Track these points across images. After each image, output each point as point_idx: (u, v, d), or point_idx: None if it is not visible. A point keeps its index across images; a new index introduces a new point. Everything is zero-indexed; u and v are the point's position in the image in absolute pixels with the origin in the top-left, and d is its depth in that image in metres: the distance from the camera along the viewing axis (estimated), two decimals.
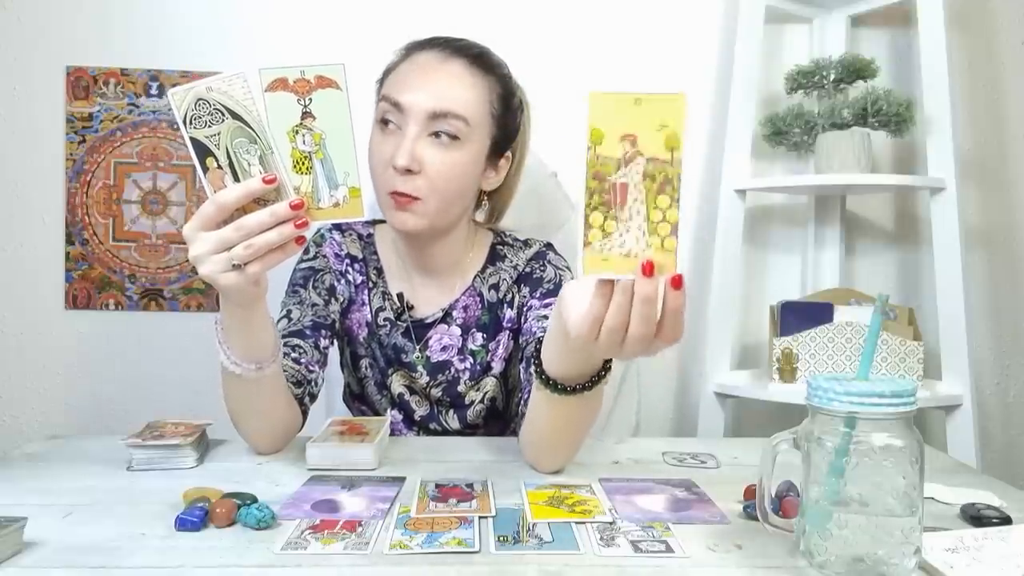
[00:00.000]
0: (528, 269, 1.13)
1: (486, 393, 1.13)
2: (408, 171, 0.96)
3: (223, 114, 0.73)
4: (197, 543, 0.67)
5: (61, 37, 1.70)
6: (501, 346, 1.12)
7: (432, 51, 1.01)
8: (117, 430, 1.00)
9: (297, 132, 0.74)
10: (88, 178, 1.71)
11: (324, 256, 1.13)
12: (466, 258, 1.13)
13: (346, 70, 0.73)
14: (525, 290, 1.11)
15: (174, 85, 1.68)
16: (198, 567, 0.63)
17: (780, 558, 0.66)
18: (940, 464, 0.99)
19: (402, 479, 0.86)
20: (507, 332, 1.12)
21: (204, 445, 0.97)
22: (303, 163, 0.74)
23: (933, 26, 1.58)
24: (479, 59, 1.02)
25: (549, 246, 1.17)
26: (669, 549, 0.68)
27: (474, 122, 0.99)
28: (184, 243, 1.68)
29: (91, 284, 1.72)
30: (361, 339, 1.13)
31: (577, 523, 0.73)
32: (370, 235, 1.16)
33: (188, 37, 1.72)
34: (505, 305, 1.12)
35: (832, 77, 1.64)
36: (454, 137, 0.98)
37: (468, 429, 1.14)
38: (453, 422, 1.14)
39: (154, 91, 1.71)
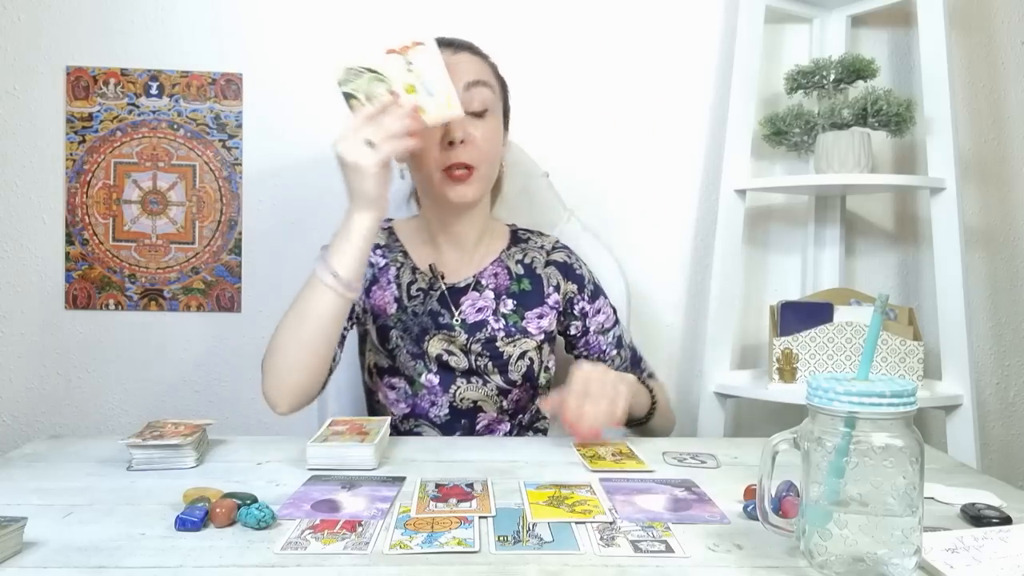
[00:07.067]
0: (563, 258, 1.28)
1: (525, 351, 1.20)
2: (463, 142, 1.12)
3: (362, 72, 1.03)
4: (197, 543, 0.67)
5: (61, 37, 1.70)
6: (545, 320, 1.23)
7: (441, 49, 1.13)
8: (117, 430, 1.00)
9: (409, 73, 1.03)
10: (88, 178, 1.71)
11: None
12: (487, 235, 1.26)
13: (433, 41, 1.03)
14: (572, 286, 1.26)
15: (175, 85, 1.69)
16: (198, 567, 0.63)
17: (780, 558, 0.66)
18: (940, 464, 0.99)
19: (402, 479, 0.86)
20: (554, 312, 1.25)
21: (204, 445, 0.97)
22: (410, 88, 1.03)
23: (933, 26, 1.57)
24: (473, 48, 1.20)
25: (567, 245, 1.32)
26: (669, 549, 0.68)
27: (495, 90, 1.18)
28: (182, 243, 1.75)
29: (91, 284, 1.72)
30: (390, 313, 1.21)
31: (577, 523, 0.73)
32: (389, 227, 1.30)
33: (188, 37, 1.72)
34: (550, 287, 1.25)
35: (832, 77, 1.64)
36: (485, 110, 1.15)
37: (508, 384, 1.20)
38: (495, 376, 1.19)
39: (154, 91, 1.71)
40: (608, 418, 0.99)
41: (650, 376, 1.31)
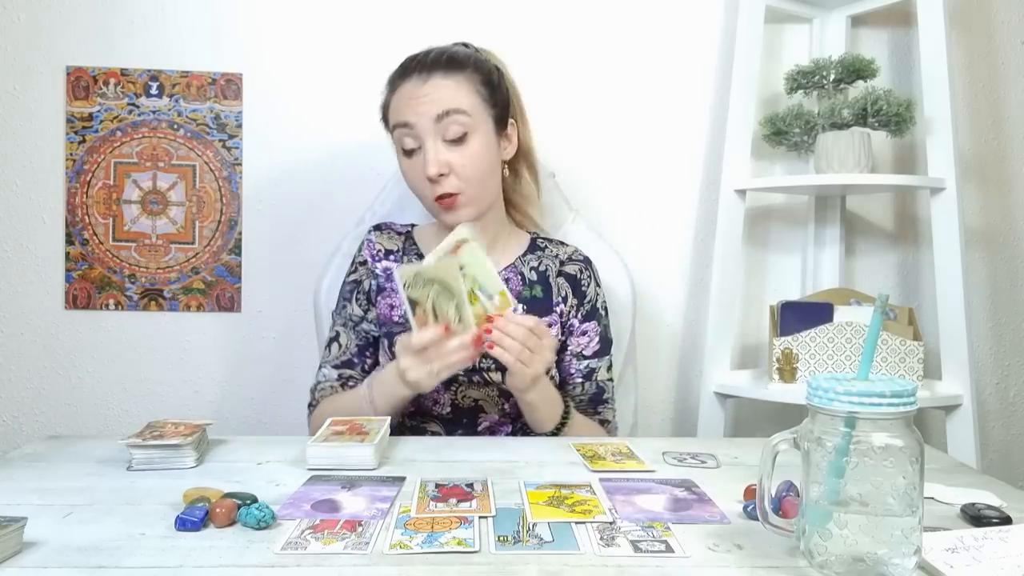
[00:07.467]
0: (575, 271, 1.27)
1: None
2: (441, 175, 1.14)
3: (433, 283, 1.03)
4: (197, 543, 0.67)
5: (61, 37, 1.70)
6: (553, 328, 1.23)
7: (411, 77, 1.16)
8: (117, 430, 1.00)
9: (463, 278, 1.03)
10: (88, 178, 1.71)
11: (364, 262, 1.28)
12: (502, 240, 1.28)
13: (471, 228, 1.06)
14: (574, 300, 1.26)
15: (175, 85, 1.69)
16: (198, 567, 0.63)
17: (780, 558, 0.66)
18: (940, 464, 0.99)
19: (402, 479, 0.86)
20: (558, 324, 1.24)
21: (204, 445, 0.97)
22: (472, 296, 1.04)
23: (933, 26, 1.57)
24: (450, 63, 1.16)
25: (588, 258, 1.31)
26: (669, 549, 0.68)
27: (473, 111, 1.15)
28: (182, 243, 1.77)
29: (91, 284, 1.72)
30: (396, 318, 1.23)
31: (577, 523, 0.73)
32: (409, 232, 1.31)
33: (188, 37, 1.72)
34: (559, 297, 1.25)
35: (832, 77, 1.63)
36: (464, 135, 1.14)
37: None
38: (496, 376, 1.18)
39: (154, 91, 1.71)
40: (513, 364, 1.04)
41: (603, 422, 1.26)
